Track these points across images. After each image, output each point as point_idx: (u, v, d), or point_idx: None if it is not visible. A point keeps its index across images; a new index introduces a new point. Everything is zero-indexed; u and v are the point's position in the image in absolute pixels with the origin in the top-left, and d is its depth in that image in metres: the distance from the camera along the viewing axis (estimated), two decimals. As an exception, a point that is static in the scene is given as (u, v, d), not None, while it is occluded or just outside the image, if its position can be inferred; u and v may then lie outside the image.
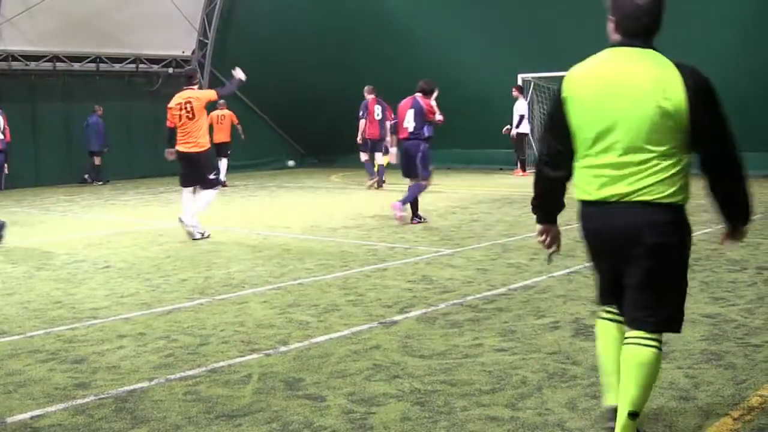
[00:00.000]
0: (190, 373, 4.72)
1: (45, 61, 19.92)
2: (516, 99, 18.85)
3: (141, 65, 21.72)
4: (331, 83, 21.71)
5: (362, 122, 17.02)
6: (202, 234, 10.11)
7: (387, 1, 20.40)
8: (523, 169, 19.00)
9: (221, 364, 4.88)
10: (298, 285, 7.17)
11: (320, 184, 18.61)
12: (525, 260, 8.05)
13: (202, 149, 10.12)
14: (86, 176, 20.30)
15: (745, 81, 16.68)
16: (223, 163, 18.10)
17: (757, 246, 8.49)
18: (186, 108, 9.99)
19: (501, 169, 20.87)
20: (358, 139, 17.11)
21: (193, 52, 22.74)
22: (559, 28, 18.42)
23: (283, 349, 5.17)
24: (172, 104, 10.14)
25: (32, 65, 19.73)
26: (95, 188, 19.13)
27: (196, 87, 10.56)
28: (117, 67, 21.25)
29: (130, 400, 4.27)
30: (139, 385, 4.52)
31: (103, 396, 4.35)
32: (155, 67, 22.01)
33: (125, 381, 4.59)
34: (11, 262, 8.79)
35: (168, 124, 10.22)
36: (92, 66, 20.84)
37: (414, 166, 10.93)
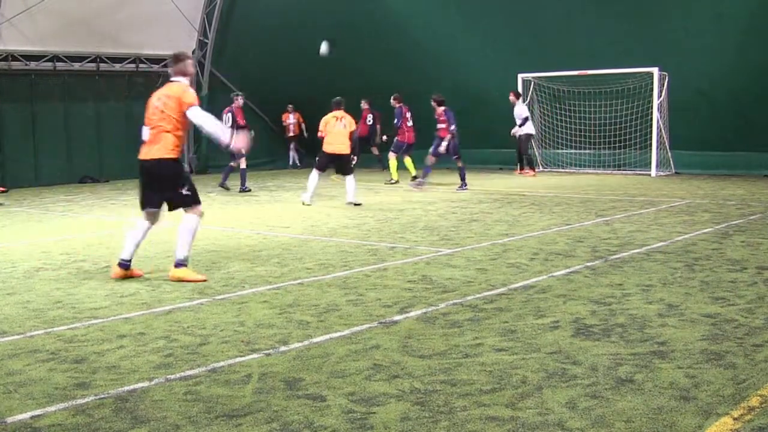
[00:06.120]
0: (190, 373, 4.72)
1: (45, 61, 19.93)
2: (514, 104, 19.05)
3: (141, 65, 21.73)
4: (330, 83, 21.71)
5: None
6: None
7: (387, 2, 20.40)
8: (532, 169, 19.30)
9: (221, 364, 4.88)
10: (298, 285, 7.17)
11: (320, 184, 18.54)
12: (525, 260, 8.05)
13: None
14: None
15: (743, 80, 16.68)
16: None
17: (757, 246, 8.50)
18: None
19: (501, 168, 20.90)
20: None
21: (193, 52, 22.73)
22: (558, 29, 18.44)
23: (283, 349, 5.17)
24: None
25: (32, 65, 19.74)
26: (96, 188, 19.13)
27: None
28: (117, 67, 21.26)
29: (130, 400, 4.27)
30: (139, 385, 4.52)
31: (103, 396, 4.35)
32: (155, 67, 22.00)
33: (125, 381, 4.59)
34: (11, 262, 8.79)
35: None
36: (92, 66, 20.85)
37: None
